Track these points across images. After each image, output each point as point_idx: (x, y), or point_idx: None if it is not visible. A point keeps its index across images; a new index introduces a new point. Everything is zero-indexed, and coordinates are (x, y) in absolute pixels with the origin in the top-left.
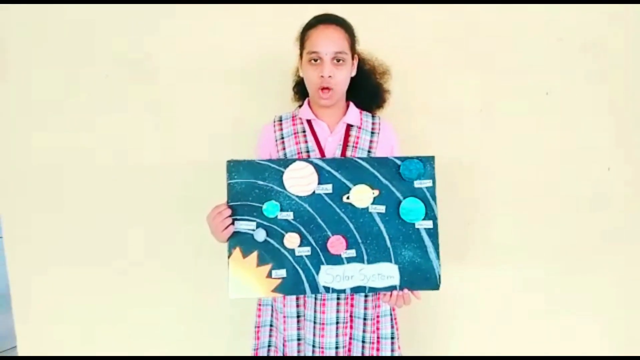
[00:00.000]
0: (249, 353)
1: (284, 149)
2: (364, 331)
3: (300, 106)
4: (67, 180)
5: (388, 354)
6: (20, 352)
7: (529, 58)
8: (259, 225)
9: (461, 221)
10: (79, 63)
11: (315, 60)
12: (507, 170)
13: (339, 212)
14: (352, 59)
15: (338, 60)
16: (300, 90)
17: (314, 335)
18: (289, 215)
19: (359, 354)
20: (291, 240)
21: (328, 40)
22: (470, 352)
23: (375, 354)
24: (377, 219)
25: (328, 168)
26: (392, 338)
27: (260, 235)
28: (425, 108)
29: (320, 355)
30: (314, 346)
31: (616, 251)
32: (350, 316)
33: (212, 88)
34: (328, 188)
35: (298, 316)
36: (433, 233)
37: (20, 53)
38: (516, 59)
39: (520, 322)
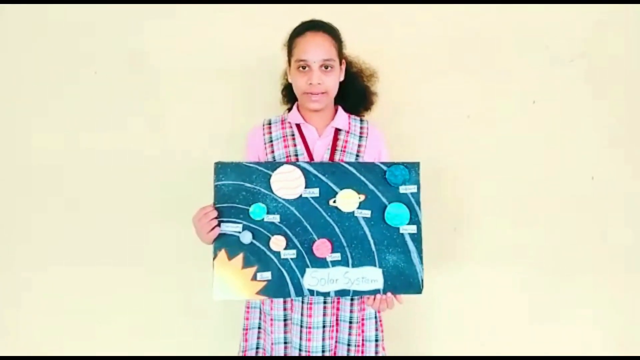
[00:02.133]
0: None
1: (272, 152)
2: (349, 334)
3: (289, 110)
4: (65, 179)
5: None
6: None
7: (517, 65)
8: (245, 228)
9: (448, 226)
10: (79, 63)
11: (304, 68)
12: (495, 176)
13: (325, 216)
14: (340, 64)
15: (326, 67)
16: (289, 94)
17: (301, 339)
18: (275, 218)
19: None
20: (277, 242)
21: (316, 48)
22: (455, 355)
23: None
24: (363, 223)
25: (315, 172)
26: (377, 340)
27: (246, 238)
28: (413, 113)
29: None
30: (300, 350)
31: (610, 254)
32: (337, 320)
33: (211, 89)
34: (315, 192)
35: (285, 319)
36: (417, 238)
37: (21, 53)
38: (504, 66)
39: (507, 325)
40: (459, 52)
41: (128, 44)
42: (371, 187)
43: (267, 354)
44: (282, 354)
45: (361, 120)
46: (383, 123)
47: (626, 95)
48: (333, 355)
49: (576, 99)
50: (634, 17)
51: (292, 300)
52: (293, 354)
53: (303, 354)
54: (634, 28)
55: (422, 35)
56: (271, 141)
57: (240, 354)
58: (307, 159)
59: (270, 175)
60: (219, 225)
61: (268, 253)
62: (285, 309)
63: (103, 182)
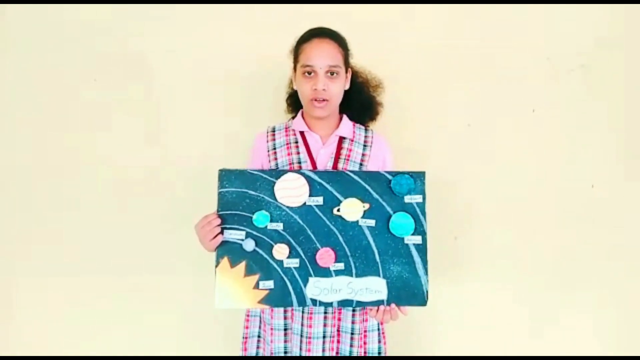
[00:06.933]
0: None
1: (275, 159)
2: (351, 346)
3: (293, 117)
4: (69, 186)
5: None
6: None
7: (517, 76)
8: (248, 235)
9: (449, 235)
10: (79, 64)
11: (310, 74)
12: (495, 184)
13: (329, 225)
14: (346, 72)
15: (332, 74)
16: (293, 102)
17: (301, 349)
18: (278, 226)
19: None
20: (280, 251)
21: (322, 54)
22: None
23: None
24: (367, 233)
25: (320, 180)
26: (380, 353)
27: (249, 245)
28: (413, 122)
29: None
30: None
31: (607, 265)
32: (338, 330)
33: (214, 95)
34: (319, 200)
35: (285, 329)
36: (422, 248)
37: (21, 54)
38: (505, 76)
39: (510, 335)
40: (459, 61)
41: (130, 47)
42: (376, 196)
43: None
44: None
45: (366, 130)
46: (387, 133)
47: (625, 105)
48: None
49: (575, 108)
50: (633, 29)
51: (292, 309)
52: None
53: None
54: (633, 40)
55: (422, 45)
56: (274, 148)
57: None
58: (310, 167)
59: (275, 183)
60: (222, 232)
61: (271, 261)
62: (285, 318)
63: (105, 189)
